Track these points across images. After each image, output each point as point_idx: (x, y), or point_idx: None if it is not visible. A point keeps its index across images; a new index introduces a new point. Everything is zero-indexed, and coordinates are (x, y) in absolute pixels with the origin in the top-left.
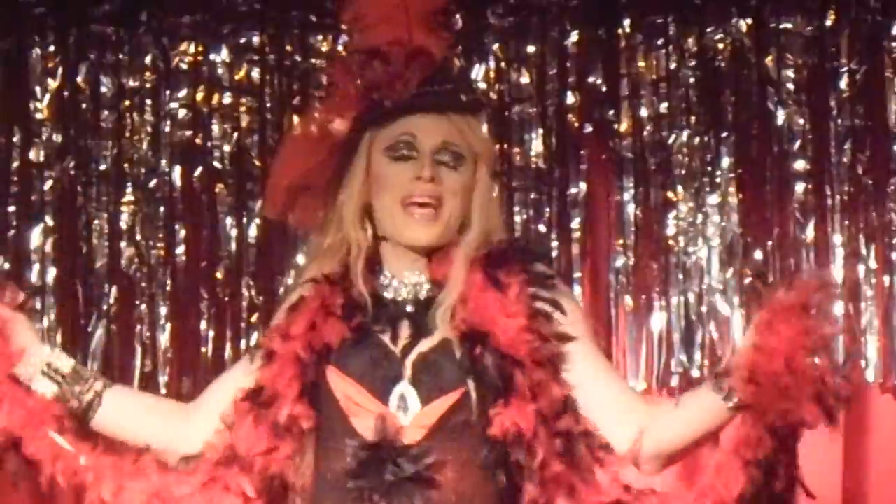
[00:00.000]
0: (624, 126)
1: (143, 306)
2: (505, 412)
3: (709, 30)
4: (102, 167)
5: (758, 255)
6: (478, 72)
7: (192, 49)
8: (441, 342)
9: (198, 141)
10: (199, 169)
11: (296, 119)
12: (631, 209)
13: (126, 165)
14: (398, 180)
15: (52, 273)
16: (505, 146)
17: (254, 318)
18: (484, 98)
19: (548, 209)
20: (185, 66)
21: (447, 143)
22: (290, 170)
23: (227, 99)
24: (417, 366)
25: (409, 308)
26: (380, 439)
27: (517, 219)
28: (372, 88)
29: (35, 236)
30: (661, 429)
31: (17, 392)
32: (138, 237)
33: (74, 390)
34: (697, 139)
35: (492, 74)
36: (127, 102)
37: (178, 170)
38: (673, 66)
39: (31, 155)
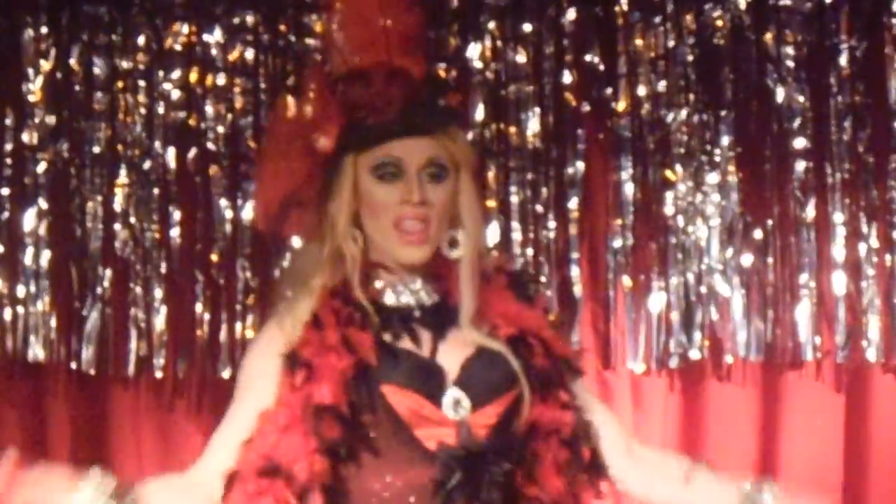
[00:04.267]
0: (622, 105)
1: (138, 289)
2: (545, 407)
3: (707, 7)
4: (96, 149)
5: (758, 234)
6: (474, 50)
7: (185, 30)
8: (479, 349)
9: (192, 122)
10: (193, 150)
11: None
12: (629, 189)
13: (120, 147)
14: (388, 202)
15: (46, 256)
16: (501, 126)
17: (249, 300)
18: (479, 78)
19: (545, 189)
20: (178, 47)
21: (432, 159)
22: (279, 186)
23: (221, 80)
24: (465, 370)
25: (417, 313)
26: (466, 446)
27: (514, 199)
28: (354, 109)
29: (29, 219)
30: (659, 488)
31: None
32: (132, 219)
33: None
34: (696, 118)
35: (488, 53)
36: (120, 84)
37: (171, 151)
38: (671, 43)
39: (25, 137)
